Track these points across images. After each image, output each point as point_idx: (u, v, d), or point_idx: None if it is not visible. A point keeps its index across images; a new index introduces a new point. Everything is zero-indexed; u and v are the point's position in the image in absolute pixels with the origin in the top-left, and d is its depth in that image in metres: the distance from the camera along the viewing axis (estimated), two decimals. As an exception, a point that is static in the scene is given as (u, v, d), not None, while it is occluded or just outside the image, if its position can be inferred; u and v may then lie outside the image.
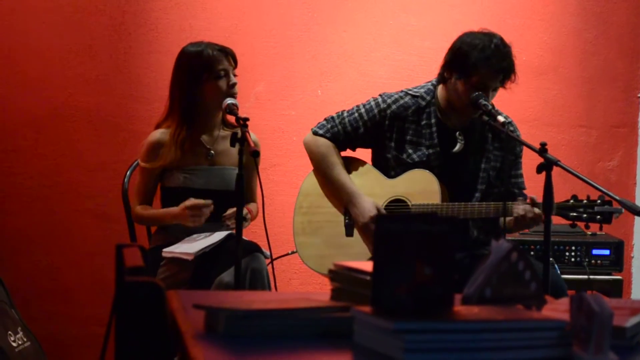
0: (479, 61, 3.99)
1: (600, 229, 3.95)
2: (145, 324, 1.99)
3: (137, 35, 5.16)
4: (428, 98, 4.17)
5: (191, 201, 4.04)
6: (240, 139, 3.71)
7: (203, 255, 3.95)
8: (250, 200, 4.30)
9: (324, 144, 4.23)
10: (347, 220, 4.22)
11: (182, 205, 4.04)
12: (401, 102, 4.18)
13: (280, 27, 5.23)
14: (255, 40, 5.21)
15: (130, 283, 1.99)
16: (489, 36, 4.05)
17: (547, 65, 5.37)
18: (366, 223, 4.11)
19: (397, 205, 4.15)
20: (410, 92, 4.21)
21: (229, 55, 4.17)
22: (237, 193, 3.65)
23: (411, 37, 5.26)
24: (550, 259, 3.70)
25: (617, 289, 4.63)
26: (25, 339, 4.55)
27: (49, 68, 5.11)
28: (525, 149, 3.86)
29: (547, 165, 3.58)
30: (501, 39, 4.06)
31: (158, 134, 4.20)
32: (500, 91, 4.06)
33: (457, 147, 4.17)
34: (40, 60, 5.11)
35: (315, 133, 4.26)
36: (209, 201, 4.04)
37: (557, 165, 3.58)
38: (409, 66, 5.23)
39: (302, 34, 5.24)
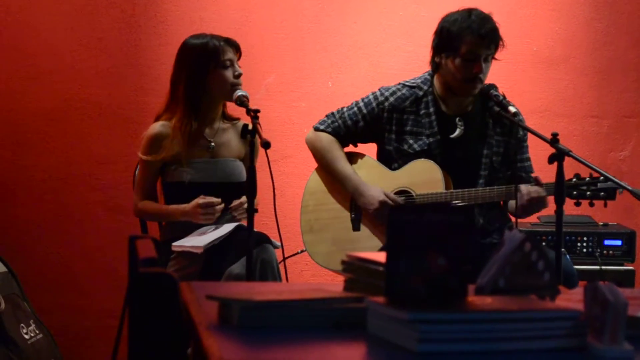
0: (461, 30, 4.04)
1: (605, 205, 3.94)
2: (158, 315, 1.99)
3: (148, 27, 5.16)
4: (425, 87, 4.18)
5: (203, 199, 4.03)
6: (252, 131, 3.71)
7: (212, 248, 3.95)
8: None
9: (326, 139, 4.24)
10: (353, 215, 4.22)
11: (195, 202, 4.03)
12: (398, 94, 4.20)
13: (290, 18, 5.23)
14: (266, 32, 5.21)
15: (143, 274, 1.99)
16: (467, 10, 4.13)
17: (558, 56, 5.35)
18: (377, 209, 4.11)
19: (401, 197, 4.15)
20: (407, 83, 4.23)
21: (233, 45, 4.16)
22: (248, 185, 3.65)
23: (422, 27, 5.24)
24: (562, 249, 3.69)
25: (629, 280, 4.62)
26: (37, 332, 4.56)
27: (60, 61, 5.12)
28: (536, 139, 3.85)
29: (558, 156, 3.58)
30: (480, 10, 4.12)
31: (158, 127, 4.17)
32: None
33: (457, 133, 4.18)
34: (50, 53, 5.11)
35: (316, 129, 4.28)
36: (219, 199, 4.04)
37: (569, 155, 3.58)
38: (419, 57, 5.20)
39: (312, 25, 5.24)
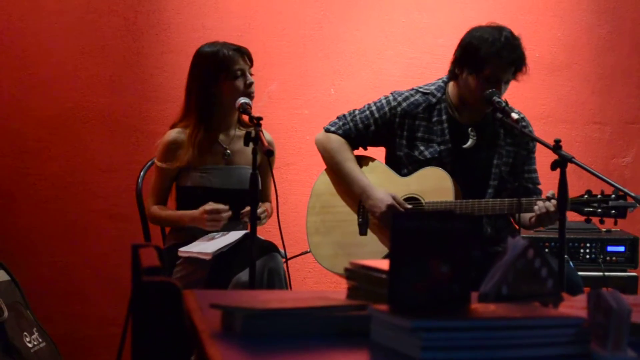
0: (490, 55, 3.99)
1: (615, 223, 3.94)
2: (162, 323, 1.99)
3: (150, 35, 5.16)
4: (439, 95, 4.17)
5: (210, 205, 4.04)
6: (254, 139, 3.71)
7: (220, 255, 3.95)
8: (265, 200, 4.29)
9: (336, 140, 4.23)
10: (360, 220, 4.22)
11: (202, 208, 4.04)
12: (412, 99, 4.18)
13: (292, 26, 5.23)
14: (268, 39, 5.21)
15: (147, 283, 1.99)
16: (498, 29, 4.06)
17: (561, 62, 5.36)
18: (383, 212, 4.09)
19: (410, 204, 4.14)
20: (420, 89, 4.22)
21: (244, 54, 4.17)
22: (251, 192, 3.65)
23: (424, 34, 5.25)
24: (565, 256, 3.69)
25: (632, 286, 4.62)
26: (40, 340, 4.56)
27: (62, 69, 5.12)
28: (539, 145, 3.85)
29: (561, 162, 3.57)
30: (510, 32, 4.07)
31: (174, 133, 4.19)
32: (513, 87, 4.05)
33: (469, 143, 4.17)
34: (53, 61, 5.12)
35: (327, 130, 4.27)
36: (227, 207, 4.04)
37: (572, 162, 3.58)
38: (421, 64, 5.22)
39: (314, 32, 5.24)
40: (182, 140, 4.16)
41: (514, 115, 3.89)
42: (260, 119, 3.79)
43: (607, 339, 1.89)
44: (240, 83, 4.12)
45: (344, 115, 4.27)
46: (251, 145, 3.73)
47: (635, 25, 5.39)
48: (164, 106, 5.06)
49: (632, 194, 3.64)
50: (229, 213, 4.05)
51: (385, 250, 4.16)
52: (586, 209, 3.91)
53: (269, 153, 3.65)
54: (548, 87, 5.36)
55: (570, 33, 5.36)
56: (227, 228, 4.11)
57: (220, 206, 4.04)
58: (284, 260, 3.99)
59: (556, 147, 3.60)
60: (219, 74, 4.12)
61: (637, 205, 3.77)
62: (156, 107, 5.13)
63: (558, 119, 5.35)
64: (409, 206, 4.12)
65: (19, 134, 5.12)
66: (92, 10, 5.13)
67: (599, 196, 3.91)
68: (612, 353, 1.89)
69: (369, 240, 4.21)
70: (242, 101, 4.03)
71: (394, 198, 4.11)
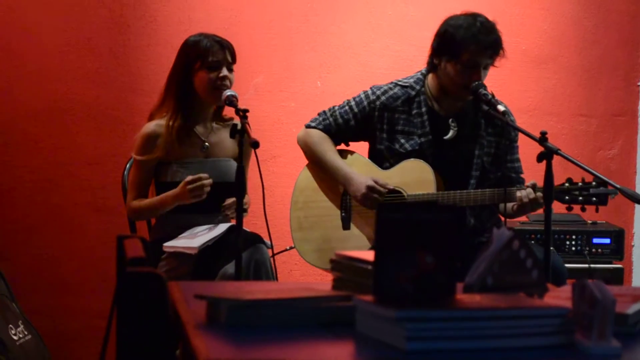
0: (466, 39, 4.02)
1: (597, 210, 3.94)
2: (146, 315, 1.99)
3: (136, 28, 5.15)
4: (417, 87, 4.18)
5: (190, 177, 4.01)
6: (240, 130, 3.70)
7: (205, 248, 3.94)
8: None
9: (317, 134, 4.24)
10: (343, 214, 4.22)
11: (182, 182, 4.01)
12: (390, 92, 4.19)
13: (279, 18, 5.22)
14: (254, 32, 5.20)
15: (131, 274, 1.99)
16: (472, 15, 4.10)
17: (547, 55, 5.36)
18: (364, 194, 4.09)
19: (393, 196, 4.14)
20: (399, 82, 4.23)
21: (225, 48, 4.14)
22: (238, 184, 3.64)
23: (410, 27, 5.25)
24: (551, 247, 3.70)
25: (617, 278, 4.63)
26: (26, 332, 4.54)
27: (48, 61, 5.11)
28: (525, 137, 3.86)
29: (547, 154, 3.58)
30: (485, 17, 4.11)
31: (152, 126, 4.17)
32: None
33: (450, 134, 4.18)
34: (39, 53, 5.10)
35: (308, 127, 4.28)
36: (207, 175, 4.02)
37: (558, 154, 3.58)
38: (408, 56, 5.22)
39: (301, 25, 5.24)
40: (160, 133, 4.13)
41: (501, 108, 3.90)
42: (246, 111, 3.79)
43: (592, 329, 1.90)
44: (212, 74, 4.10)
45: (324, 112, 4.28)
46: (230, 136, 3.72)
47: (621, 17, 5.39)
48: (151, 99, 5.02)
49: (618, 186, 3.65)
50: (210, 181, 4.02)
51: (368, 244, 4.17)
52: (567, 197, 3.93)
53: (256, 145, 3.64)
54: (534, 80, 5.36)
55: (556, 26, 5.37)
56: (210, 221, 4.09)
57: (201, 175, 4.01)
58: (270, 250, 3.99)
59: (542, 139, 3.61)
60: (195, 63, 4.11)
61: (617, 192, 3.77)
62: (142, 100, 5.11)
63: (544, 112, 5.36)
64: (391, 186, 4.12)
65: (5, 126, 5.10)
66: (79, 2, 5.11)
67: (580, 184, 3.93)
68: (596, 343, 1.90)
69: (352, 235, 4.21)
70: (229, 94, 4.01)
71: (375, 181, 4.10)
